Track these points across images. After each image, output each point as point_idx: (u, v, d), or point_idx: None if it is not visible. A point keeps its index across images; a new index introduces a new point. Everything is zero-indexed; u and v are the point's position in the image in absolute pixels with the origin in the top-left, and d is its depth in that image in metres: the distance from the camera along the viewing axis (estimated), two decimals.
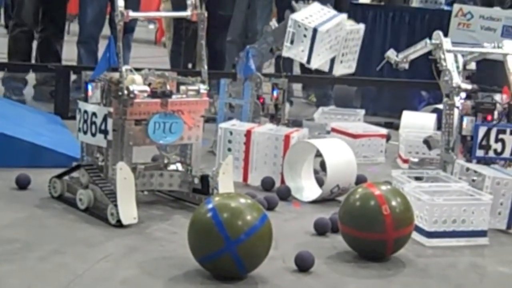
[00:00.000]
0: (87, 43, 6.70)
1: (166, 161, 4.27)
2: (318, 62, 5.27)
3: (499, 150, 4.42)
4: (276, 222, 3.52)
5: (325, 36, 5.22)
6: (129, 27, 6.49)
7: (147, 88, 3.95)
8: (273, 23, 5.45)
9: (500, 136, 4.42)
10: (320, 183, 4.59)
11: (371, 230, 3.49)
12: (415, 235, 3.78)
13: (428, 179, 4.30)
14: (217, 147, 4.83)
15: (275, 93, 5.47)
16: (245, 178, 4.73)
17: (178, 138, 4.03)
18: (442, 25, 7.21)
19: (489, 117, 4.45)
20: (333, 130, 5.75)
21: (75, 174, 4.14)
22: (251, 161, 4.72)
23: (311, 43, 5.14)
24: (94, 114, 3.96)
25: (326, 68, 5.59)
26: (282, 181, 4.60)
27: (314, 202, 4.43)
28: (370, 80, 7.37)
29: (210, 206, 3.20)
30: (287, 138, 4.66)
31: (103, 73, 3.95)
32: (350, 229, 3.57)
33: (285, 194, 4.47)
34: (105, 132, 3.92)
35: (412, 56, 5.06)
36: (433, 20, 7.36)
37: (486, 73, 6.40)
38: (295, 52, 5.23)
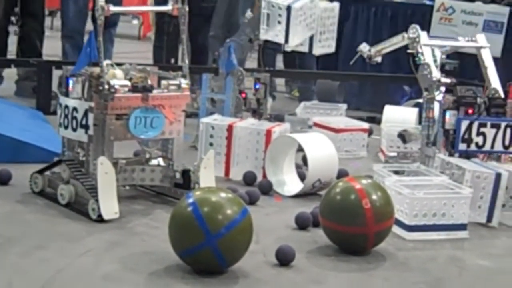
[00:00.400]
0: (71, 38, 6.67)
1: (147, 156, 4.27)
2: (296, 40, 5.23)
3: (480, 143, 4.44)
4: (257, 216, 3.53)
5: (300, 13, 5.19)
6: (112, 21, 6.47)
7: (128, 83, 3.94)
8: (249, 14, 5.44)
9: (481, 129, 4.43)
10: (302, 177, 4.60)
11: (351, 224, 3.51)
12: (395, 229, 3.79)
13: (409, 173, 4.32)
14: (199, 141, 4.84)
15: (257, 88, 5.48)
16: (227, 172, 4.74)
17: (160, 133, 4.03)
18: (424, 19, 7.25)
19: (471, 111, 4.47)
20: (315, 124, 5.76)
21: (56, 169, 4.13)
22: (232, 156, 4.72)
23: (286, 22, 5.13)
24: (75, 109, 3.94)
25: (305, 49, 5.59)
26: (264, 176, 4.61)
27: (295, 196, 4.45)
28: (353, 75, 7.39)
29: (190, 200, 3.20)
30: (268, 132, 4.67)
31: (84, 68, 3.93)
32: (331, 223, 3.58)
33: (267, 188, 4.48)
34: (86, 127, 3.91)
35: (387, 50, 5.08)
36: (415, 15, 7.39)
37: (467, 67, 6.46)
38: (272, 34, 5.21)
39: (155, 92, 4.01)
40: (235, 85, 5.34)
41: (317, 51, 5.57)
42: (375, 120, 6.53)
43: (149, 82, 4.07)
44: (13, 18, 7.10)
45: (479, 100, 4.48)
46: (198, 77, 6.56)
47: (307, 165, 4.52)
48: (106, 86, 3.85)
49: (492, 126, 4.43)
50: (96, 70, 3.91)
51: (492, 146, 4.44)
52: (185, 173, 4.14)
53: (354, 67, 7.15)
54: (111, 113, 3.89)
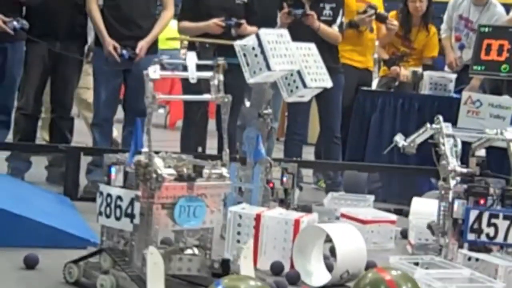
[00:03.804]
0: (101, 126, 6.73)
1: (181, 245, 4.18)
2: (279, 66, 5.14)
3: (491, 234, 4.41)
4: None
5: (270, 37, 5.15)
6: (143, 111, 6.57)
7: (174, 172, 3.92)
8: (247, 102, 5.49)
9: (493, 220, 4.41)
10: (329, 268, 4.56)
11: None
12: None
13: (423, 265, 4.26)
14: (227, 230, 4.81)
15: (284, 178, 5.48)
16: (255, 262, 4.68)
17: (201, 222, 4.00)
18: (451, 112, 7.26)
19: (482, 201, 4.44)
20: (343, 215, 5.73)
21: (92, 259, 4.05)
22: (260, 245, 4.69)
23: (261, 49, 5.09)
24: (119, 197, 3.90)
25: (307, 98, 5.63)
26: (292, 266, 4.56)
27: (323, 287, 4.39)
28: (380, 167, 7.38)
29: (219, 287, 3.17)
30: (297, 222, 4.64)
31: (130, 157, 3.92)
32: None
33: (295, 279, 4.44)
34: (131, 216, 3.85)
35: (418, 141, 5.08)
36: (442, 107, 7.39)
37: (493, 160, 6.43)
38: (255, 70, 5.13)
39: (198, 181, 3.99)
40: (262, 174, 5.34)
41: (311, 84, 5.47)
42: (403, 213, 6.48)
43: (185, 170, 4.04)
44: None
45: (491, 190, 4.44)
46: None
47: (335, 256, 4.47)
48: (154, 175, 3.82)
49: (505, 217, 4.41)
50: (142, 158, 3.87)
51: (505, 238, 4.41)
52: (225, 263, 4.08)
53: (381, 158, 7.18)
54: (157, 202, 3.85)
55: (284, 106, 8.08)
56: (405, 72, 8.11)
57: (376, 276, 3.57)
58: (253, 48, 5.13)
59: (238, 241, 4.72)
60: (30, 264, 4.28)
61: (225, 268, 4.07)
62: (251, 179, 5.36)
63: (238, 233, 4.73)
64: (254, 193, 5.31)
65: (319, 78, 5.56)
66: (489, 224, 4.41)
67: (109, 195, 3.94)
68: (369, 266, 4.52)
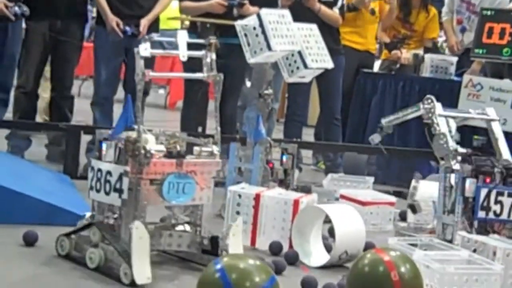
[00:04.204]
0: (101, 105, 6.74)
1: (173, 221, 4.26)
2: (280, 46, 5.15)
3: (498, 211, 4.51)
4: (284, 287, 3.48)
5: (272, 17, 5.16)
6: (144, 90, 6.58)
7: (163, 148, 3.97)
8: (248, 83, 5.51)
9: (499, 198, 4.51)
10: (328, 249, 4.57)
11: None
12: None
13: (422, 246, 4.27)
14: (226, 210, 4.82)
15: (284, 158, 5.48)
16: (253, 242, 4.71)
17: (191, 199, 4.04)
18: (452, 95, 7.26)
19: (488, 180, 4.54)
20: (342, 197, 5.73)
21: (84, 232, 4.11)
22: (259, 225, 4.70)
23: (262, 29, 5.10)
24: (108, 172, 3.94)
25: (308, 79, 5.64)
26: (290, 246, 4.57)
27: (322, 267, 4.40)
28: (379, 148, 7.36)
29: (218, 266, 3.17)
30: (296, 202, 4.65)
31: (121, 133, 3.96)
32: None
33: (293, 259, 4.44)
34: (120, 190, 3.90)
35: (399, 121, 5.12)
36: (443, 90, 7.39)
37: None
38: (256, 50, 5.14)
39: (188, 158, 4.03)
40: (262, 155, 5.34)
41: (312, 65, 5.48)
42: (402, 195, 6.49)
43: (178, 147, 4.08)
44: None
45: (496, 169, 4.55)
46: (225, 147, 6.57)
47: (334, 237, 4.48)
48: (143, 151, 3.86)
49: (509, 195, 4.51)
50: (132, 134, 3.92)
51: (509, 215, 4.51)
52: (214, 240, 4.12)
53: (381, 141, 7.18)
54: (146, 178, 3.89)
55: (285, 87, 8.08)
56: (406, 55, 8.10)
57: (374, 256, 3.57)
58: (254, 28, 5.12)
59: None
60: (29, 241, 4.29)
61: (214, 245, 4.11)
62: (251, 159, 5.37)
63: (238, 212, 4.74)
64: (253, 173, 5.31)
65: (320, 59, 5.56)
66: (496, 202, 4.51)
67: (99, 170, 3.98)
68: (368, 247, 4.52)
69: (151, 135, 4.03)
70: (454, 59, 7.83)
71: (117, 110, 6.98)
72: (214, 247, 4.11)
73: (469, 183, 4.50)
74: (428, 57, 7.85)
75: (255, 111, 5.43)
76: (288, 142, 5.92)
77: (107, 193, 3.95)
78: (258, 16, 5.13)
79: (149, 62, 5.72)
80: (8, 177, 4.86)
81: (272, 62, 5.45)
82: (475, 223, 4.46)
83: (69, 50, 6.79)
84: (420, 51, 8.13)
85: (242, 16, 5.85)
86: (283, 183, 5.39)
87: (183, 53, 4.29)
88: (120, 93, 7.15)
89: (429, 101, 4.75)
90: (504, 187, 4.55)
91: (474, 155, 4.63)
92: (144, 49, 4.05)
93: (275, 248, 4.60)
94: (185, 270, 4.14)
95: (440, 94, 7.27)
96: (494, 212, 4.50)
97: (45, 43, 6.70)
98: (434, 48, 8.65)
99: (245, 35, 5.14)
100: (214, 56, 4.34)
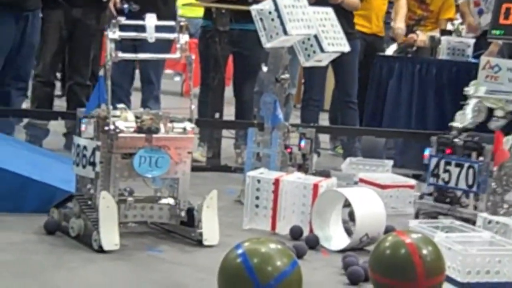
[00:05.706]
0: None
1: (158, 194, 4.47)
2: (295, 30, 5.14)
3: (446, 179, 5.02)
4: (305, 271, 3.46)
5: (287, 1, 5.12)
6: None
7: (133, 124, 4.22)
8: (264, 68, 5.51)
9: (447, 167, 5.02)
10: (348, 233, 4.55)
11: (402, 278, 3.44)
12: (447, 286, 3.71)
13: (443, 229, 4.25)
14: (245, 195, 4.81)
15: (302, 143, 5.46)
16: (273, 226, 4.70)
17: (164, 172, 4.24)
18: (469, 77, 7.19)
19: (449, 151, 5.07)
20: (361, 180, 5.71)
21: (70, 204, 4.35)
22: (279, 210, 4.69)
23: (277, 14, 5.09)
24: (85, 147, 4.22)
25: (325, 63, 5.72)
26: (311, 230, 4.56)
27: (342, 251, 4.39)
28: (397, 132, 7.35)
29: (240, 251, 3.17)
30: (315, 186, 4.63)
31: (95, 110, 4.23)
32: (381, 277, 3.51)
33: (314, 243, 4.44)
34: (93, 164, 4.17)
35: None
36: (460, 73, 7.34)
37: None
38: (272, 34, 5.13)
39: (160, 133, 4.22)
40: (280, 139, 5.33)
41: (328, 48, 5.45)
42: (421, 178, 6.45)
43: (162, 126, 4.28)
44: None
45: (457, 142, 5.02)
46: (243, 132, 6.56)
47: (354, 221, 4.47)
48: (112, 127, 4.11)
49: (457, 165, 4.97)
50: (104, 111, 4.19)
51: (457, 184, 4.97)
52: (190, 212, 4.32)
53: (398, 123, 7.17)
54: (116, 152, 4.15)
55: (301, 73, 8.05)
56: (422, 37, 8.04)
57: (396, 239, 3.55)
58: (270, 13, 5.11)
59: (257, 206, 4.73)
60: (50, 230, 4.33)
61: (190, 216, 4.32)
62: (269, 144, 5.35)
63: (257, 197, 4.73)
64: (272, 158, 5.29)
65: (337, 42, 5.53)
66: (444, 171, 5.01)
67: (78, 145, 4.28)
68: (388, 230, 4.51)
69: (131, 113, 4.29)
70: (472, 41, 7.77)
71: (134, 98, 7.08)
72: (190, 219, 4.33)
73: (428, 152, 5.08)
74: (445, 39, 7.79)
75: (272, 95, 5.41)
76: (306, 127, 5.89)
77: (84, 167, 4.24)
78: (274, 0, 5.11)
79: (167, 46, 5.74)
80: (25, 165, 4.88)
81: (288, 46, 5.43)
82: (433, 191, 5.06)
83: (85, 38, 6.79)
84: (437, 33, 8.07)
85: (257, 1, 5.82)
86: (302, 168, 5.37)
87: (151, 35, 4.38)
88: (137, 82, 7.18)
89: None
90: (453, 157, 4.95)
91: (467, 131, 5.08)
92: (113, 32, 4.20)
93: (295, 233, 4.59)
94: (162, 240, 4.37)
95: (458, 76, 7.26)
96: (443, 180, 5.01)
97: (61, 32, 6.70)
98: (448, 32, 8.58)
99: (261, 19, 5.13)
100: (187, 37, 4.43)
